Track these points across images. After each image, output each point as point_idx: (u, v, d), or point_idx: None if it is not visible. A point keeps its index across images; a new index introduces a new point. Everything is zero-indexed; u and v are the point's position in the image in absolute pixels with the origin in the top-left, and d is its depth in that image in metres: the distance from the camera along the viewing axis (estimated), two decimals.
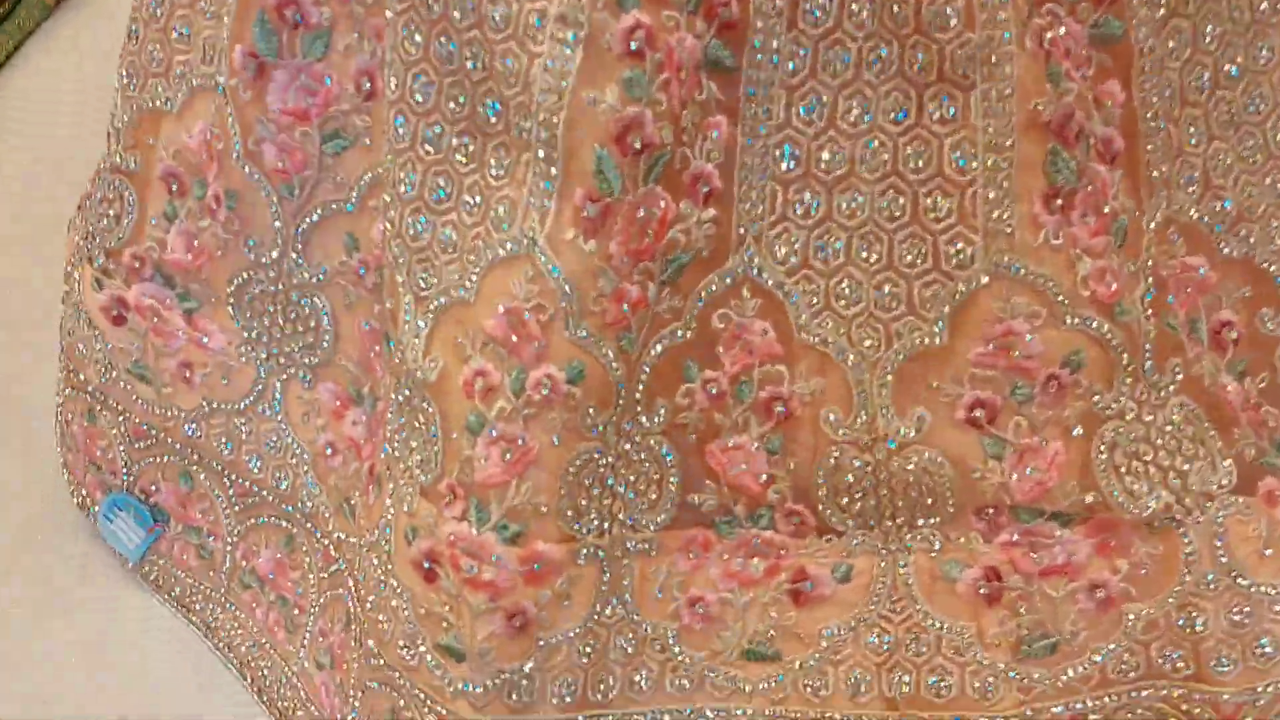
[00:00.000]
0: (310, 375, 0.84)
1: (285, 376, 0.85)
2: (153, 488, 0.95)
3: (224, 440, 0.89)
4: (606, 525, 0.76)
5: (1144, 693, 0.79)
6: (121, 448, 0.95)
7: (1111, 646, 0.78)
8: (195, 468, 0.92)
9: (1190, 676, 0.79)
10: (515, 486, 0.72)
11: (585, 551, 0.75)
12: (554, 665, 0.77)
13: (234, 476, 0.91)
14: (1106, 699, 0.79)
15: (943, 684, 0.79)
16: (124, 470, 0.95)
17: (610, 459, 0.75)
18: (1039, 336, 0.72)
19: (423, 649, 0.77)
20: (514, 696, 0.77)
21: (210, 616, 0.95)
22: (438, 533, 0.74)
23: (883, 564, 0.78)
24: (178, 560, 0.96)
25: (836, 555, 0.77)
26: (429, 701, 0.79)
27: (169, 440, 0.92)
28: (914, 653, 0.79)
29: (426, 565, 0.75)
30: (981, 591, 0.78)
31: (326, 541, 0.87)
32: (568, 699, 0.79)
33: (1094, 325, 0.72)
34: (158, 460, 0.94)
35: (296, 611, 0.90)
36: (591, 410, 0.73)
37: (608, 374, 0.72)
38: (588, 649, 0.78)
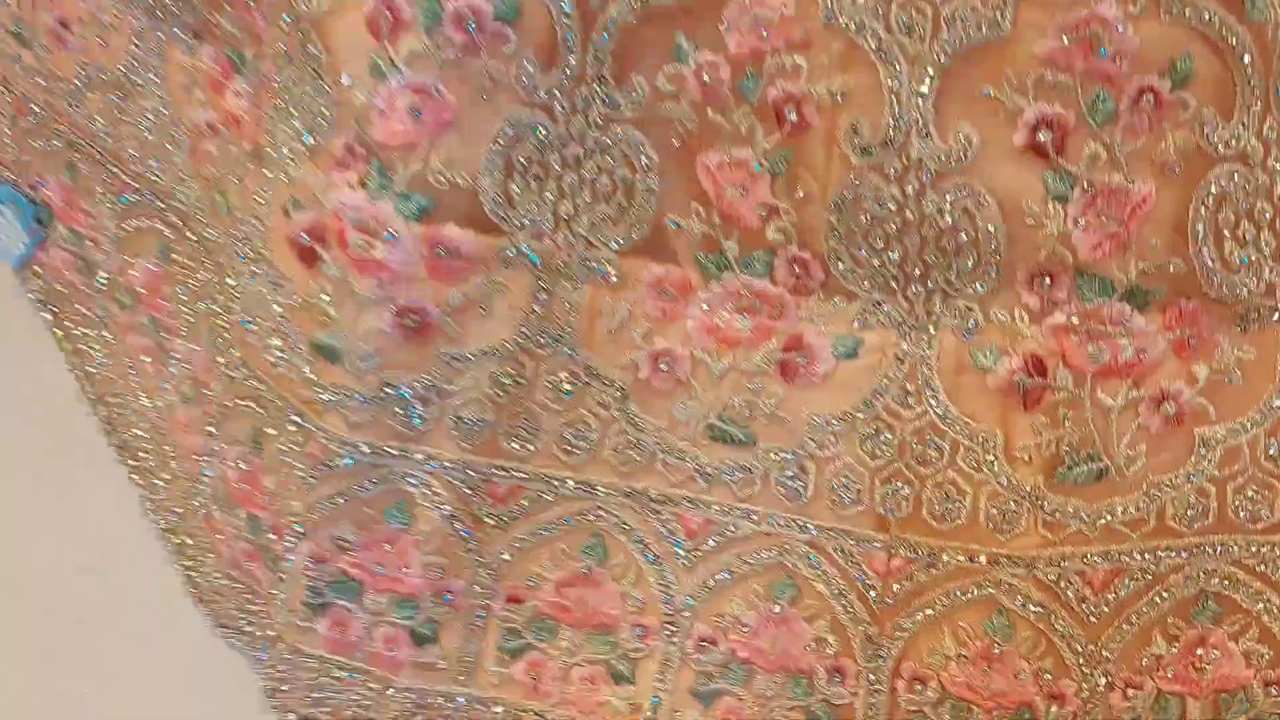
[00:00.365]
0: (191, 39, 0.72)
1: (165, 39, 0.74)
2: (39, 179, 0.85)
3: (102, 121, 0.78)
4: (548, 227, 0.62)
5: (1217, 548, 0.62)
6: (6, 128, 0.85)
7: (1175, 481, 0.62)
8: (78, 157, 0.82)
9: (1272, 527, 0.61)
10: (425, 150, 0.60)
11: (513, 253, 0.62)
12: (457, 390, 0.64)
13: (114, 168, 0.80)
14: (1160, 554, 0.62)
15: (950, 506, 0.63)
16: (10, 156, 0.86)
17: (559, 140, 0.61)
18: (1135, 29, 0.55)
19: (295, 350, 0.65)
20: (401, 419, 0.64)
21: (82, 340, 0.86)
22: (325, 201, 0.61)
23: (901, 342, 0.62)
24: (58, 273, 0.87)
25: (844, 324, 0.62)
26: (296, 416, 0.66)
27: (53, 122, 0.82)
28: (920, 460, 0.63)
29: (306, 242, 0.63)
30: (1018, 385, 0.61)
31: (199, 246, 0.76)
32: (471, 439, 0.65)
33: (1214, 21, 0.55)
34: (43, 145, 0.83)
35: (165, 335, 0.80)
36: (530, 66, 0.59)
37: (553, 18, 0.58)
38: (506, 381, 0.64)
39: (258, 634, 0.73)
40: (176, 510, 0.79)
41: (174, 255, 0.79)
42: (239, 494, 0.72)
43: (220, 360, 0.72)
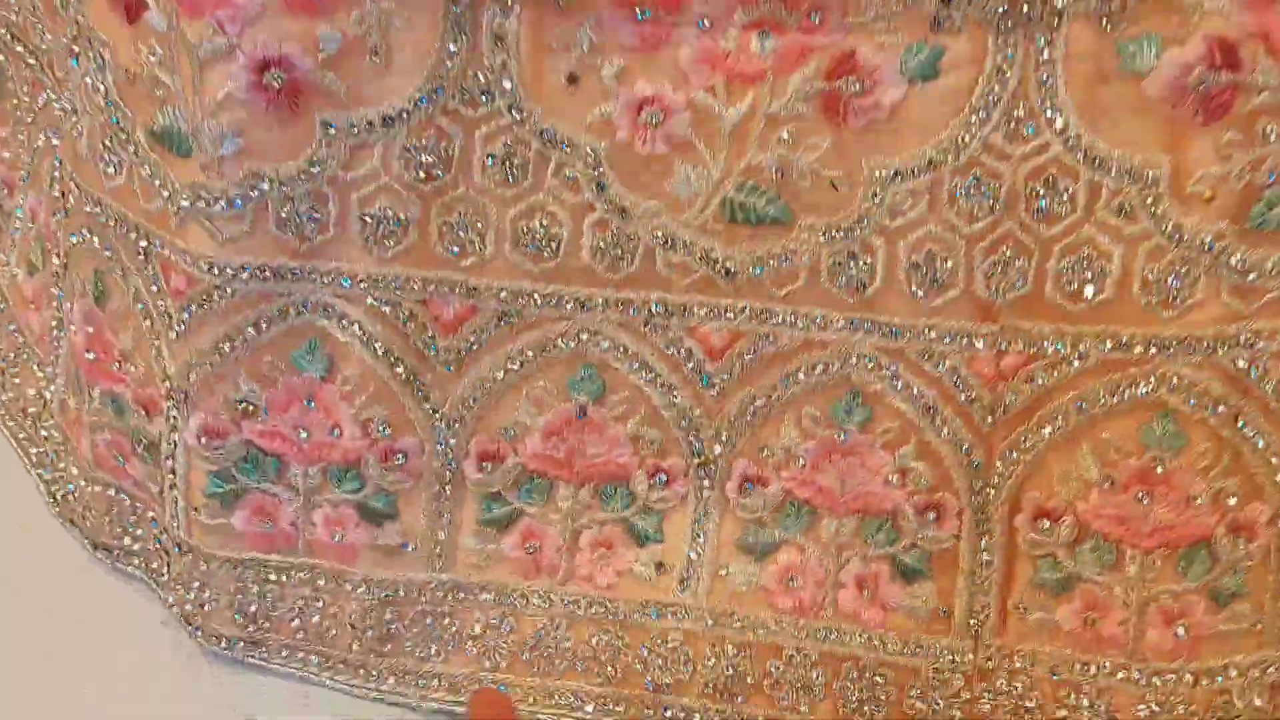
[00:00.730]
0: None
1: None
2: None
3: None
4: None
5: None
6: None
7: None
8: None
9: None
10: None
11: None
12: (359, 178, 0.48)
13: None
14: None
15: (1088, 275, 0.45)
16: None
17: None
18: None
19: (131, 147, 0.49)
20: (285, 223, 0.48)
21: None
22: None
23: (1006, 44, 0.43)
24: None
25: (914, 29, 0.44)
26: (141, 238, 0.50)
27: None
28: (1040, 216, 0.44)
29: None
30: (1196, 87, 0.42)
31: (34, 62, 0.60)
32: (390, 245, 0.48)
33: None
34: None
35: (5, 192, 0.65)
36: None
37: None
38: (425, 156, 0.47)
39: (151, 549, 0.57)
40: (29, 410, 0.64)
41: (7, 86, 0.63)
42: (90, 367, 0.56)
43: (55, 193, 0.57)
